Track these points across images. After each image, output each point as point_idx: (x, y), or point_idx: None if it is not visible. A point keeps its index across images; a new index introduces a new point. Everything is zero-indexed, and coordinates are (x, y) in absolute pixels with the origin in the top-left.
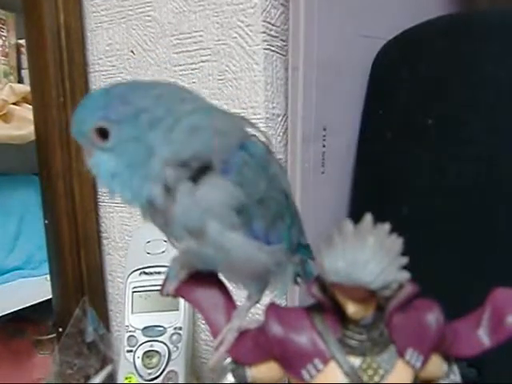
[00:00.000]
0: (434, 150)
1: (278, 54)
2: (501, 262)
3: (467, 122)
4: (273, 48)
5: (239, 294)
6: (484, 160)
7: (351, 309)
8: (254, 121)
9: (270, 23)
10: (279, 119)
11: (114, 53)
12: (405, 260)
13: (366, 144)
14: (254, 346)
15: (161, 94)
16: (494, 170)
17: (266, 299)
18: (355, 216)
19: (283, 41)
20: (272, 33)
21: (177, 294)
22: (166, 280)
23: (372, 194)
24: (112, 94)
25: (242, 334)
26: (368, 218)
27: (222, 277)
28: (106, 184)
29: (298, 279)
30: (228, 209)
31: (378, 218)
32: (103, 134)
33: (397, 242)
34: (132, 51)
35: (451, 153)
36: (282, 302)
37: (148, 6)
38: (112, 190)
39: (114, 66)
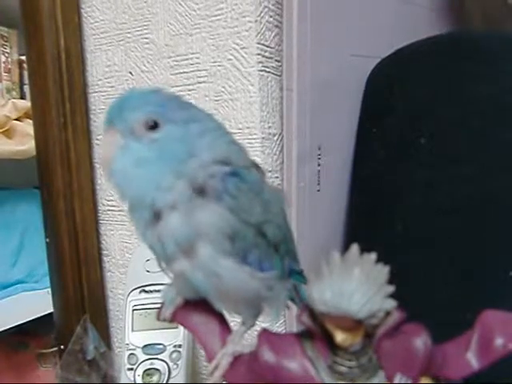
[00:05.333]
0: (427, 168)
1: (272, 75)
2: (495, 277)
3: (459, 140)
4: (267, 69)
5: (234, 317)
6: (476, 178)
7: (339, 337)
8: (250, 141)
9: (264, 45)
10: (275, 138)
11: (113, 74)
12: (391, 289)
13: (360, 162)
14: (248, 371)
15: (210, 114)
16: (485, 188)
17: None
18: (351, 234)
19: (278, 61)
20: (266, 54)
21: (173, 319)
22: (162, 305)
23: (367, 211)
24: (168, 96)
25: (237, 358)
26: (354, 248)
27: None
28: (123, 169)
29: (290, 303)
30: (221, 234)
31: (374, 236)
32: (151, 126)
33: (382, 272)
34: (130, 72)
35: (444, 171)
36: (280, 325)
37: (146, 29)
38: (127, 177)
39: (112, 86)
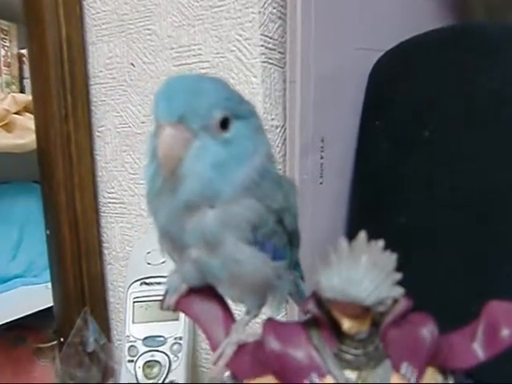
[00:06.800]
0: (429, 160)
1: (275, 67)
2: (498, 270)
3: (463, 134)
4: (271, 61)
5: (238, 307)
6: (479, 171)
7: (346, 324)
8: None
9: (267, 36)
10: (277, 130)
11: (115, 66)
12: (398, 276)
13: (363, 155)
14: (252, 360)
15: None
16: (488, 181)
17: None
18: (353, 227)
19: (281, 53)
20: (270, 46)
21: (177, 308)
22: (165, 294)
23: (370, 204)
24: (230, 88)
25: (241, 347)
26: (362, 235)
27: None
28: (200, 172)
29: (288, 297)
30: (248, 225)
31: (376, 229)
32: (224, 124)
33: (390, 259)
34: (132, 64)
35: (447, 164)
36: (281, 318)
37: (148, 20)
38: (202, 178)
39: (114, 78)
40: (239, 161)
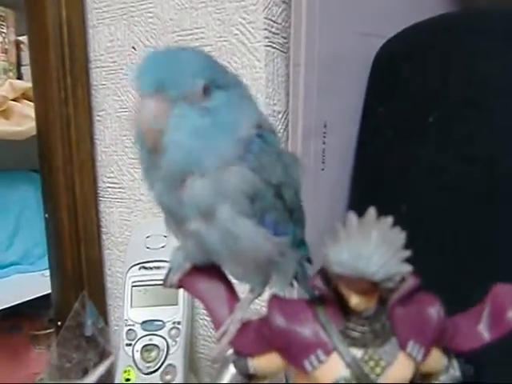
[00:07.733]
0: (433, 148)
1: (279, 51)
2: (500, 260)
3: (467, 120)
4: (274, 45)
5: (241, 287)
6: (484, 159)
7: (354, 300)
8: None
9: (271, 20)
10: (280, 116)
11: (116, 49)
12: (407, 253)
13: (366, 141)
14: (257, 337)
15: (237, 75)
16: (493, 169)
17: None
18: (354, 213)
19: (284, 38)
20: (273, 30)
21: (180, 285)
22: (169, 272)
23: (371, 191)
24: (211, 58)
25: (245, 325)
26: (372, 211)
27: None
28: (180, 141)
29: (294, 282)
30: (242, 195)
31: (378, 216)
32: (205, 92)
33: (400, 236)
34: (133, 47)
35: (451, 151)
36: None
37: (150, 3)
38: (183, 148)
39: (115, 62)
40: (221, 129)
